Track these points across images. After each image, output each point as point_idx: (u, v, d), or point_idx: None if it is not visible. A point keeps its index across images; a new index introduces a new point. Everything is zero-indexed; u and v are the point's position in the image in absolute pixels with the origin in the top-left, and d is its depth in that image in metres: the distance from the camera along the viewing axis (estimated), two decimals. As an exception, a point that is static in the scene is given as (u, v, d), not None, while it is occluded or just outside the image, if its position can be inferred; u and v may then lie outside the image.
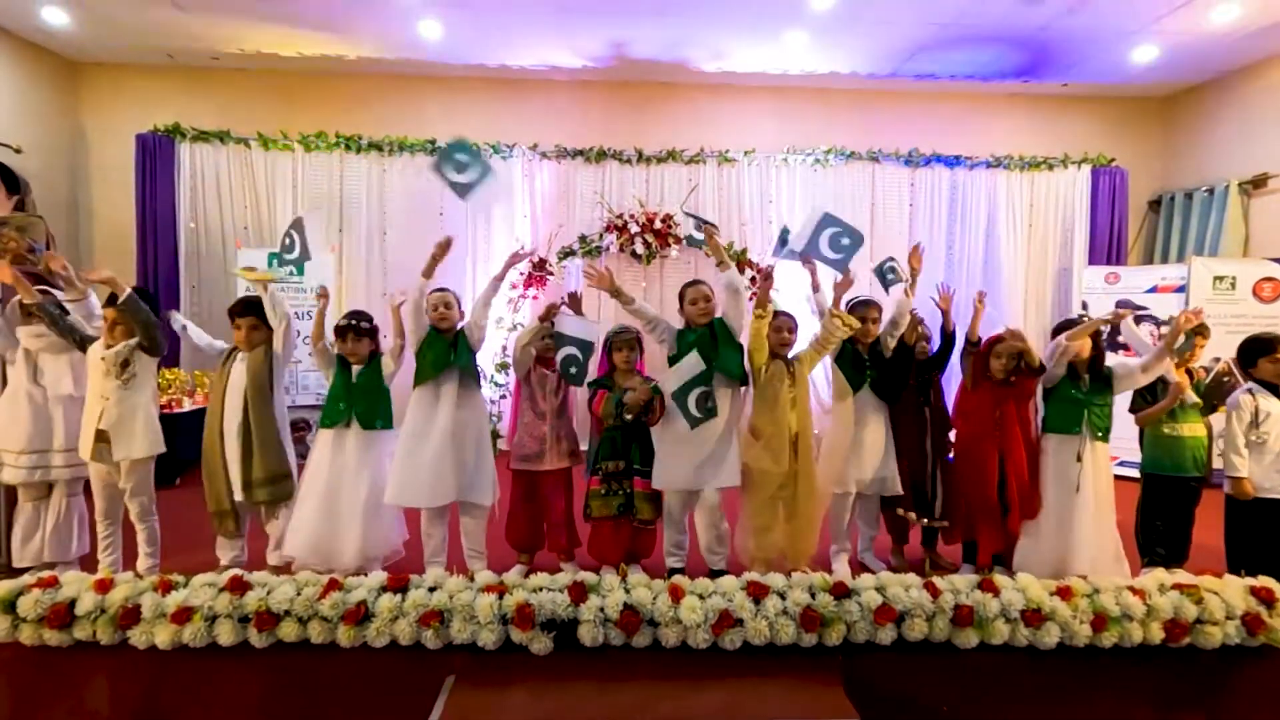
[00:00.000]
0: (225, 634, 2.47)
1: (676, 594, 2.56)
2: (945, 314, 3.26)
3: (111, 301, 2.97)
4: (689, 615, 2.49)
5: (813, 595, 2.59)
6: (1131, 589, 2.67)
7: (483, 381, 3.31)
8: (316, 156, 6.14)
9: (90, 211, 6.16)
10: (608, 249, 6.14)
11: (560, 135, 6.28)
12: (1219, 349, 4.17)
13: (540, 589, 2.58)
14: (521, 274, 5.93)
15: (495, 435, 3.47)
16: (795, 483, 2.99)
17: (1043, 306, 6.55)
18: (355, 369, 3.09)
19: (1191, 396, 3.13)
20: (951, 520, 3.26)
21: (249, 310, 3.07)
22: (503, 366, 5.88)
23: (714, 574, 2.93)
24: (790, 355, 3.12)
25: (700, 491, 3.09)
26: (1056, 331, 3.19)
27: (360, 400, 3.05)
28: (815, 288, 3.22)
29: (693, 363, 2.89)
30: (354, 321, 3.08)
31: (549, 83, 6.32)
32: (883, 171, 6.49)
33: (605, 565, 3.03)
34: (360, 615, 2.50)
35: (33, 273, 3.80)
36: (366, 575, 2.71)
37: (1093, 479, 3.04)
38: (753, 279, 2.98)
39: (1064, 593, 2.64)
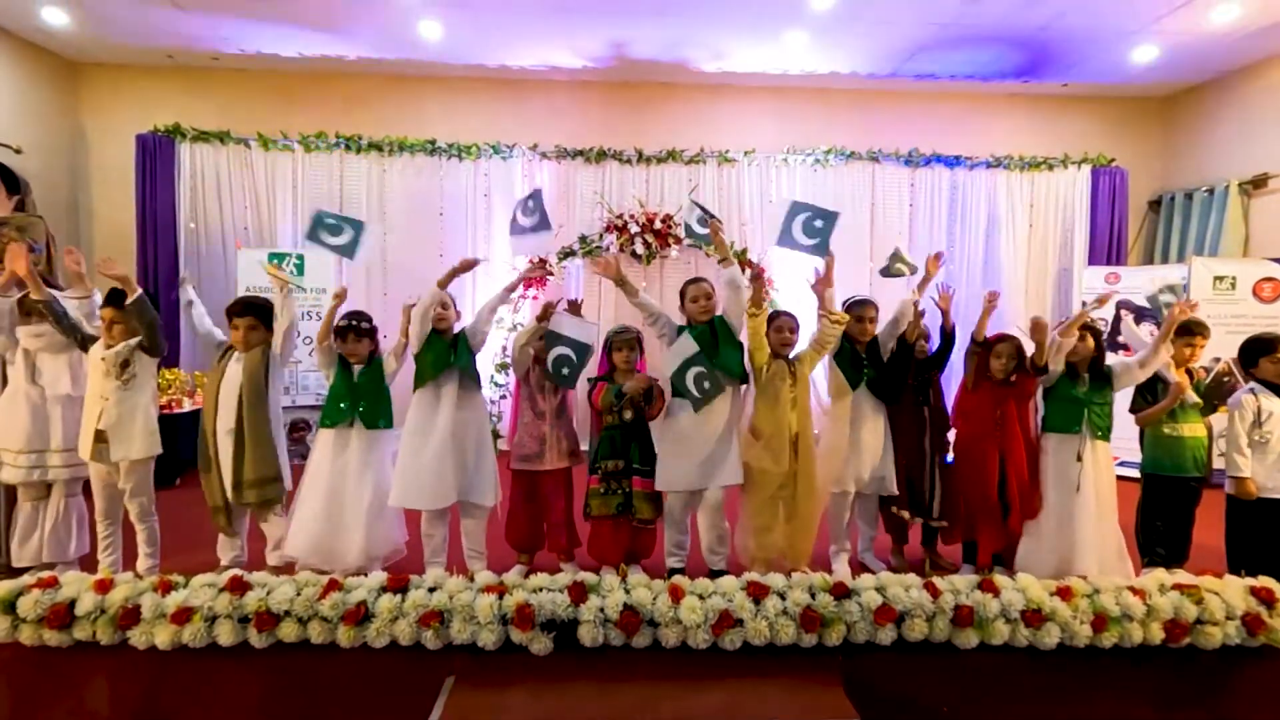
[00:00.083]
0: (225, 634, 2.47)
1: (676, 594, 2.56)
2: (945, 313, 3.26)
3: (111, 300, 2.97)
4: (689, 615, 2.49)
5: (813, 595, 2.59)
6: (1132, 589, 2.67)
7: (482, 382, 3.30)
8: (316, 157, 6.15)
9: (90, 212, 6.16)
10: (608, 249, 6.14)
11: (560, 135, 6.28)
12: (1219, 349, 4.18)
13: (540, 589, 2.58)
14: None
15: (495, 435, 3.46)
16: (795, 483, 2.99)
17: (1043, 307, 6.54)
18: (356, 369, 3.09)
19: (1192, 396, 3.13)
20: (949, 520, 3.26)
21: (248, 310, 3.07)
22: (503, 366, 5.88)
23: (714, 574, 2.93)
24: (791, 355, 3.12)
25: (703, 491, 3.08)
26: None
27: (363, 400, 3.05)
28: (829, 283, 3.18)
29: (687, 342, 2.93)
30: (354, 322, 3.08)
31: (549, 83, 6.32)
32: (883, 171, 6.49)
33: (605, 565, 3.03)
34: (360, 616, 2.49)
35: (33, 273, 3.81)
36: (367, 575, 2.71)
37: (1094, 478, 3.03)
38: (753, 278, 2.99)
39: (1064, 593, 2.64)
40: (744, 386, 3.12)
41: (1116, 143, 6.58)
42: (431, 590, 2.59)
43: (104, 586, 2.55)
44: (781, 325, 3.11)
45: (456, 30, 5.37)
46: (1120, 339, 5.25)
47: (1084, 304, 3.62)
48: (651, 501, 3.12)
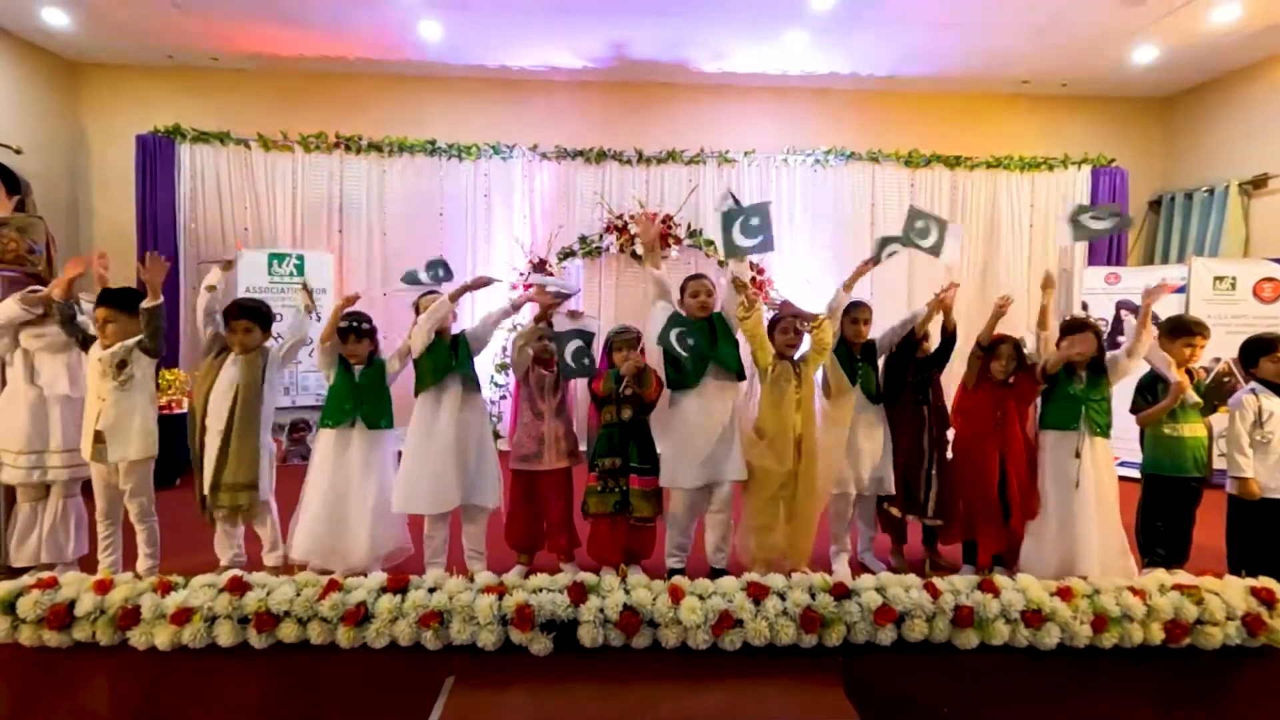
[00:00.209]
0: (225, 635, 2.47)
1: (676, 595, 2.56)
2: (947, 313, 3.26)
3: (106, 300, 2.97)
4: (689, 616, 2.49)
5: (813, 596, 2.59)
6: (1132, 589, 2.67)
7: (482, 384, 3.31)
8: (316, 157, 6.15)
9: (90, 212, 6.16)
10: (608, 250, 6.14)
11: (560, 136, 6.28)
12: (1219, 349, 4.18)
13: (540, 590, 2.58)
14: (522, 274, 5.93)
15: (495, 436, 3.47)
16: (796, 483, 2.99)
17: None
18: (357, 369, 3.10)
19: (1192, 396, 3.13)
20: (946, 519, 3.26)
21: (244, 313, 3.07)
22: (503, 367, 5.88)
23: (714, 574, 2.93)
24: (796, 356, 3.13)
25: (707, 491, 3.10)
26: (1060, 332, 3.19)
27: (365, 401, 3.06)
28: (847, 288, 3.21)
29: (663, 306, 3.05)
30: (354, 323, 3.09)
31: (549, 83, 6.32)
32: (883, 172, 6.49)
33: (604, 565, 3.04)
34: (360, 616, 2.49)
35: (33, 274, 3.81)
36: (367, 575, 2.71)
37: (1094, 476, 3.03)
38: (739, 286, 3.01)
39: (1064, 593, 2.64)
40: (741, 383, 3.13)
41: (1116, 143, 6.58)
42: (431, 591, 2.59)
43: (103, 587, 2.55)
44: (787, 326, 3.11)
45: (456, 31, 5.38)
46: (1121, 339, 5.25)
47: (1088, 315, 3.59)
48: (649, 500, 3.12)
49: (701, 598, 2.57)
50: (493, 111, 6.31)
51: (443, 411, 3.05)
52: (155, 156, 5.92)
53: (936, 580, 2.67)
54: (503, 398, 5.93)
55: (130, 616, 2.49)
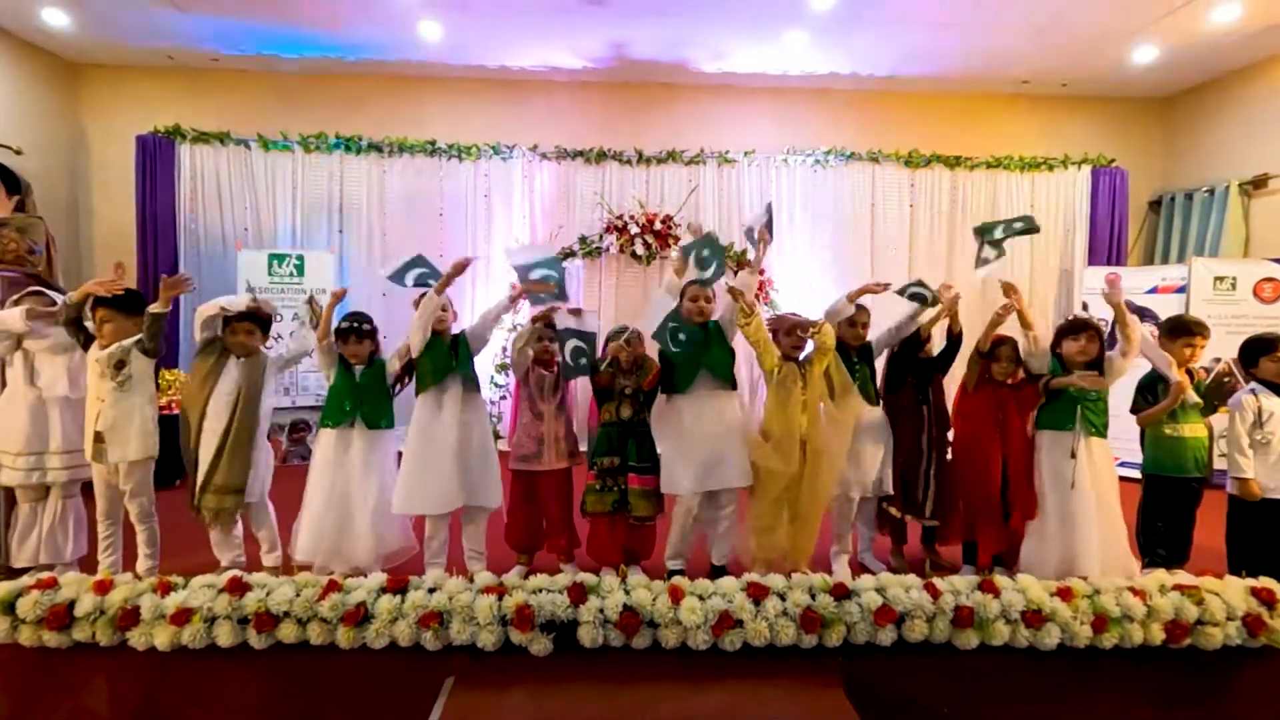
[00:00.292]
0: (224, 635, 2.46)
1: (676, 595, 2.56)
2: (953, 316, 3.26)
3: (103, 300, 2.97)
4: (689, 616, 2.49)
5: (813, 596, 2.59)
6: (1132, 590, 2.66)
7: (481, 384, 3.31)
8: (316, 158, 6.15)
9: (90, 212, 6.16)
10: (608, 250, 6.14)
11: (560, 136, 6.29)
12: (1220, 349, 4.17)
13: (540, 590, 2.57)
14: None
15: (495, 436, 3.47)
16: (800, 484, 2.99)
17: (1045, 308, 6.54)
18: (358, 369, 3.10)
19: (1192, 397, 3.12)
20: (944, 520, 3.26)
21: (244, 316, 3.07)
22: (503, 367, 5.88)
23: (714, 573, 2.93)
24: (802, 358, 3.13)
25: (711, 498, 3.11)
26: (1058, 332, 3.19)
27: (365, 400, 3.06)
28: (851, 299, 3.21)
29: (665, 301, 3.09)
30: (355, 324, 3.09)
31: (549, 83, 6.32)
32: (883, 172, 6.49)
33: (604, 565, 3.04)
34: (359, 617, 2.49)
35: (33, 274, 3.81)
36: (367, 576, 2.71)
37: (1091, 476, 3.02)
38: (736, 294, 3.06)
39: (1064, 594, 2.64)
40: (736, 393, 3.15)
41: (1117, 143, 6.58)
42: (431, 591, 2.58)
43: (103, 587, 2.55)
44: (791, 328, 3.12)
45: (456, 31, 5.38)
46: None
47: (1088, 315, 3.58)
48: (648, 499, 3.12)
49: (701, 598, 2.56)
50: (493, 111, 6.31)
51: (443, 412, 3.04)
52: (155, 157, 5.92)
53: (936, 581, 2.66)
54: (503, 398, 5.93)
55: (130, 617, 2.48)
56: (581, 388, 3.33)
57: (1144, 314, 5.50)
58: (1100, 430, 3.06)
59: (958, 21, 5.13)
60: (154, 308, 2.95)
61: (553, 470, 3.18)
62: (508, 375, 5.77)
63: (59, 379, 3.10)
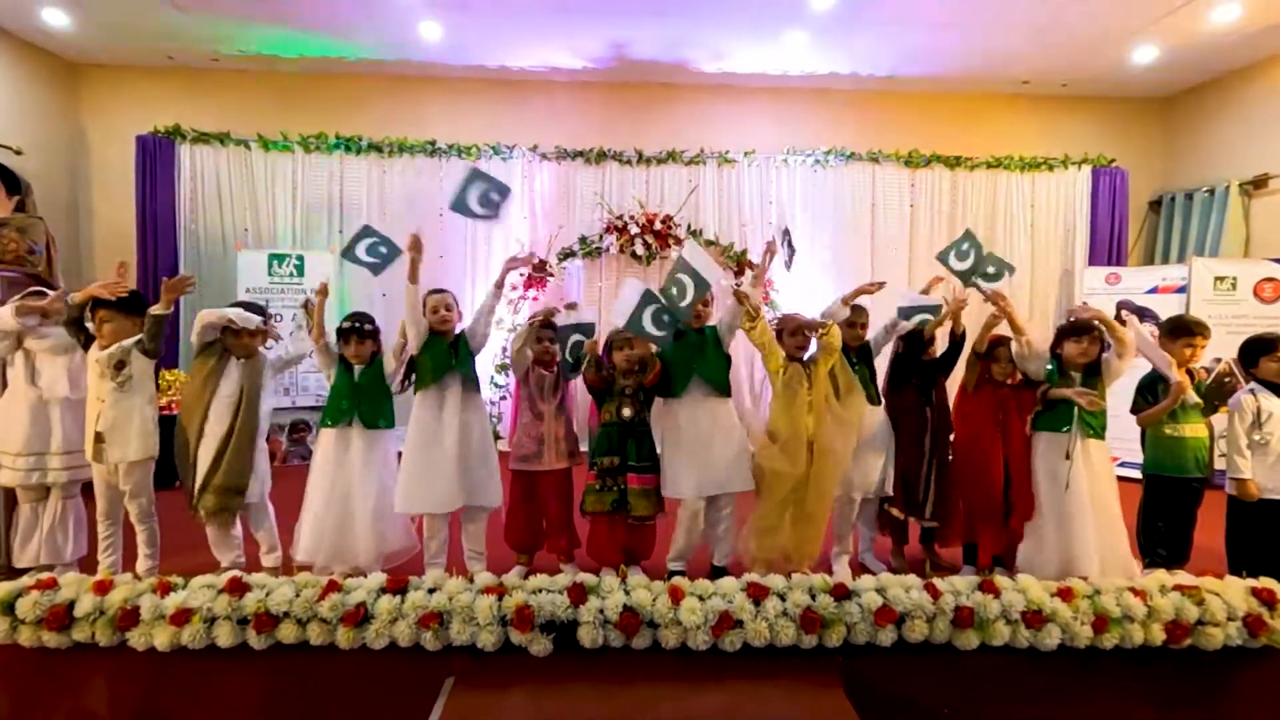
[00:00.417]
0: (224, 636, 2.46)
1: (676, 595, 2.56)
2: (956, 318, 3.26)
3: (105, 302, 2.97)
4: (689, 617, 2.49)
5: (813, 597, 2.59)
6: (1132, 590, 2.66)
7: (481, 384, 3.31)
8: (316, 158, 6.15)
9: (90, 213, 6.16)
10: (607, 250, 6.14)
11: (560, 136, 6.29)
12: (1220, 349, 4.17)
13: (539, 590, 2.57)
14: (521, 274, 5.93)
15: (496, 436, 3.47)
16: (807, 485, 2.99)
17: (1046, 308, 6.54)
18: (357, 369, 3.10)
19: (1193, 397, 3.12)
20: (944, 521, 3.25)
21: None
22: (503, 367, 5.88)
23: (715, 573, 2.93)
24: (806, 358, 3.13)
25: (714, 503, 3.12)
26: (1059, 333, 3.18)
27: (364, 400, 3.06)
28: (846, 302, 3.20)
29: (631, 289, 2.96)
30: (357, 324, 3.09)
31: (549, 84, 6.32)
32: (883, 172, 6.49)
33: (603, 564, 3.03)
34: (359, 617, 2.49)
35: (33, 274, 3.81)
36: (366, 576, 2.70)
37: (1088, 478, 3.02)
38: (740, 296, 3.03)
39: (1065, 594, 2.63)
40: (729, 398, 3.15)
41: (1117, 143, 6.58)
42: (431, 591, 2.58)
43: (103, 588, 2.55)
44: (795, 329, 3.12)
45: (456, 31, 5.38)
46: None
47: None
48: (647, 498, 3.11)
49: (701, 598, 2.56)
50: (493, 111, 6.31)
51: (444, 412, 3.04)
52: (155, 157, 5.92)
53: (937, 581, 2.66)
54: (503, 398, 5.93)
55: (129, 617, 2.48)
56: (582, 387, 3.32)
57: (1144, 314, 5.51)
58: (1098, 432, 3.06)
59: (958, 21, 5.12)
60: (155, 309, 2.95)
61: (553, 470, 3.18)
62: (508, 375, 5.77)
63: (60, 379, 3.10)
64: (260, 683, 2.40)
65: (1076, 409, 3.01)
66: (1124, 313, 5.49)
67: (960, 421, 3.29)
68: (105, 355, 2.94)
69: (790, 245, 3.30)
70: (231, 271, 5.77)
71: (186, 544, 3.32)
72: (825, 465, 3.01)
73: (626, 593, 2.57)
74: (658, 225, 6.05)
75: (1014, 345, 3.13)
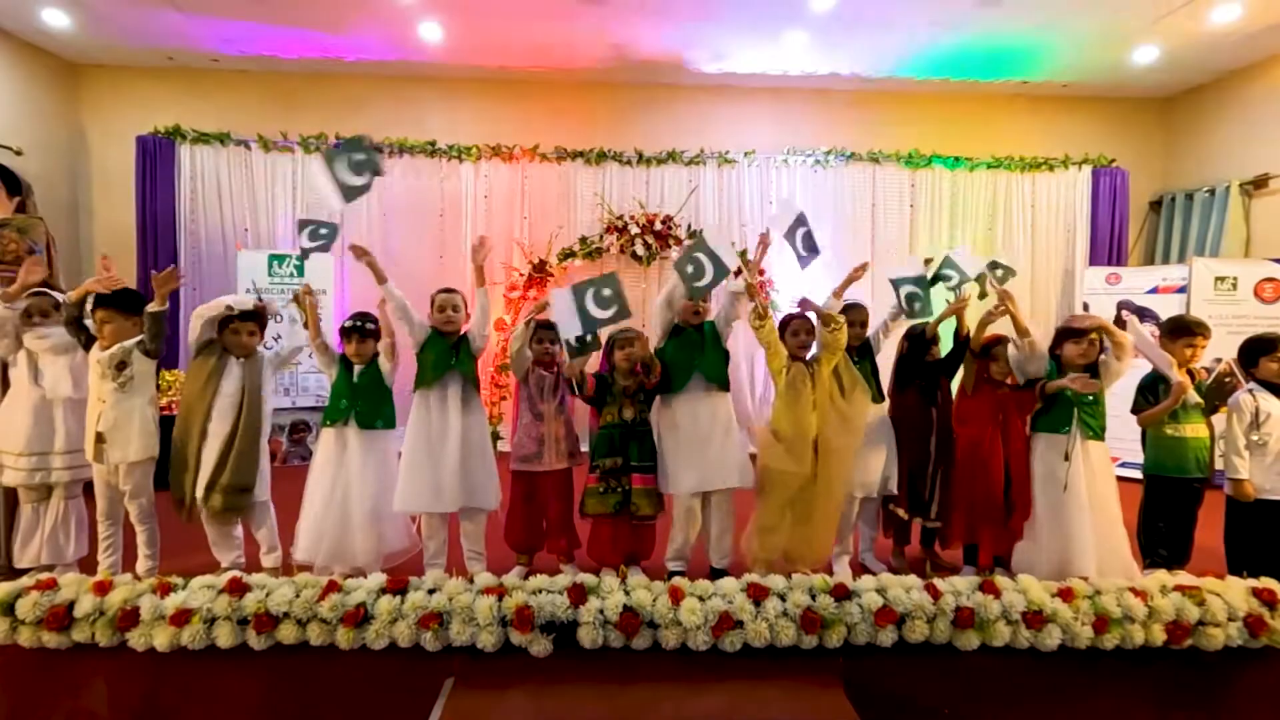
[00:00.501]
0: (224, 636, 2.46)
1: (676, 596, 2.55)
2: (960, 318, 3.25)
3: (103, 301, 2.97)
4: (689, 617, 2.48)
5: (813, 597, 2.58)
6: (1133, 590, 2.66)
7: (481, 385, 3.31)
8: (316, 158, 6.13)
9: (91, 213, 6.17)
10: (608, 250, 6.14)
11: (560, 136, 6.28)
12: (1220, 349, 4.17)
13: (539, 591, 2.57)
14: (521, 275, 5.93)
15: (495, 437, 3.47)
16: (814, 485, 2.99)
17: (1046, 308, 6.54)
18: (357, 368, 3.10)
19: (1193, 397, 3.12)
20: (947, 522, 3.25)
21: (247, 316, 3.07)
22: (503, 368, 5.88)
23: (715, 574, 2.93)
24: (808, 357, 3.13)
25: (709, 498, 3.11)
26: (1058, 334, 3.18)
27: (362, 399, 3.06)
28: (837, 294, 3.18)
29: (560, 304, 2.89)
30: (359, 324, 3.09)
31: (549, 84, 6.32)
32: (883, 172, 6.49)
33: (604, 566, 3.03)
34: (359, 617, 2.48)
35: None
36: (366, 576, 2.70)
37: (1088, 478, 3.01)
38: (750, 294, 3.02)
39: (1065, 594, 2.63)
40: (728, 393, 3.16)
41: (1117, 143, 6.58)
42: (431, 592, 2.58)
43: (103, 588, 2.55)
44: (797, 328, 3.12)
45: (456, 32, 5.38)
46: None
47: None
48: (651, 499, 3.12)
49: (701, 599, 2.56)
50: (492, 112, 6.31)
51: (444, 411, 3.04)
52: (155, 157, 5.93)
53: (937, 581, 2.66)
54: (503, 398, 5.92)
55: (129, 618, 2.48)
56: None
57: (1144, 314, 5.51)
58: (1098, 433, 3.05)
59: (958, 21, 5.12)
60: (151, 307, 2.95)
61: (553, 471, 3.17)
62: (508, 375, 5.77)
63: (62, 379, 3.10)
64: (260, 683, 2.40)
65: (1076, 410, 3.01)
66: (1125, 313, 5.50)
67: (960, 422, 3.28)
68: (107, 356, 2.94)
69: (810, 243, 3.23)
70: (231, 271, 5.76)
71: (186, 544, 3.32)
72: (831, 464, 3.01)
73: (626, 593, 2.57)
74: (658, 225, 6.05)
75: (1011, 348, 3.12)
